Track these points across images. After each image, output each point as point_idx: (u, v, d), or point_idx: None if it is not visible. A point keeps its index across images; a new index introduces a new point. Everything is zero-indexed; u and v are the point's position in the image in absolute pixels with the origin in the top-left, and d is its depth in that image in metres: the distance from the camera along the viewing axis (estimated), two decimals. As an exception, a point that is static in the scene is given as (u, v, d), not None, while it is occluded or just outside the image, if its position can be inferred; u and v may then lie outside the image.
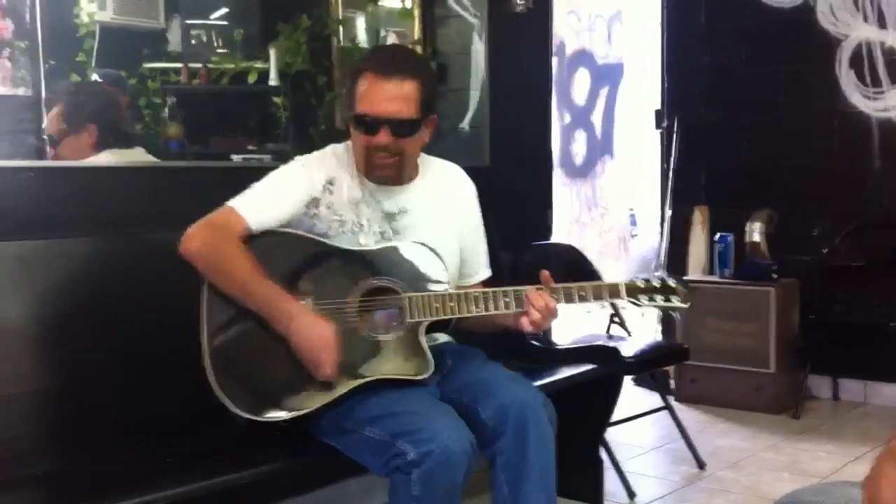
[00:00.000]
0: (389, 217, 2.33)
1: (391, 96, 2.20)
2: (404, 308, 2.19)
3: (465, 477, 2.03)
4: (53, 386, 2.27)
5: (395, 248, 2.27)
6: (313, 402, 2.13)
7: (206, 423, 2.15)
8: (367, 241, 2.29)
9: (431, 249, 2.26)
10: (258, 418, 2.12)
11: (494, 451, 2.16)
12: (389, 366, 2.18)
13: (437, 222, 2.37)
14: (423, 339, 2.20)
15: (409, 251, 2.26)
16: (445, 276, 2.26)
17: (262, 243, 2.21)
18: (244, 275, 2.14)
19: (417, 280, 2.23)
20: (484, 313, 2.21)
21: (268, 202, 2.24)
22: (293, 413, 2.12)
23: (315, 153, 2.36)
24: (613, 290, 2.25)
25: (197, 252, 2.16)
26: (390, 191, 2.34)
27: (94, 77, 4.01)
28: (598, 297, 2.24)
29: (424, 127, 2.31)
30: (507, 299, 2.21)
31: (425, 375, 2.18)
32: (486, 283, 2.49)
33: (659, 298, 2.26)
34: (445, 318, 2.21)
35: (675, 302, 2.26)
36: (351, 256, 2.25)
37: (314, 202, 2.28)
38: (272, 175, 2.29)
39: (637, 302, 2.26)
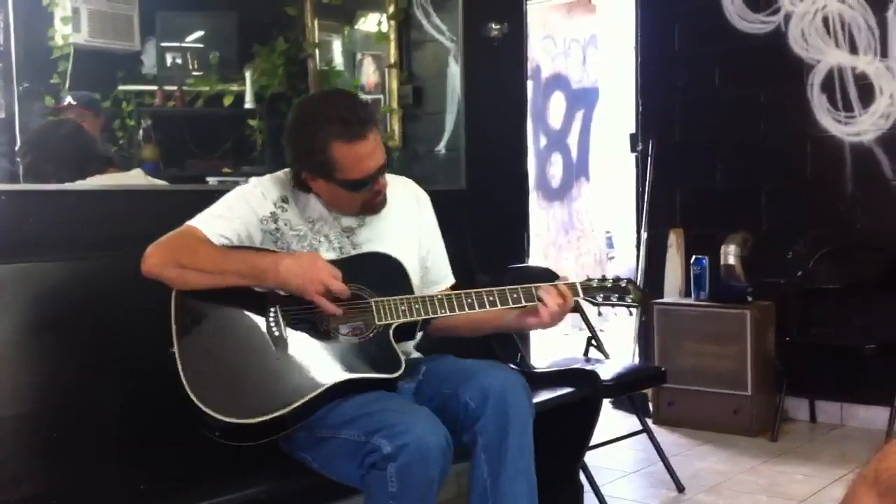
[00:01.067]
0: (348, 231, 2.38)
1: (373, 150, 2.27)
2: (372, 312, 2.23)
3: (440, 476, 2.03)
4: (37, 410, 2.25)
5: (359, 257, 2.34)
6: (286, 405, 2.11)
7: (189, 446, 2.14)
8: (329, 257, 2.32)
9: (393, 258, 2.34)
10: (235, 420, 2.08)
11: (475, 431, 2.17)
12: (361, 366, 2.20)
13: (396, 233, 2.43)
14: (393, 341, 2.24)
15: (373, 260, 2.34)
16: (409, 281, 2.33)
17: None
18: (212, 256, 2.16)
19: (383, 286, 2.28)
20: (449, 314, 2.29)
21: (222, 216, 2.27)
22: (268, 416, 2.09)
23: (269, 175, 2.40)
24: (570, 289, 2.37)
25: (158, 263, 2.17)
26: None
27: (69, 100, 3.99)
28: None
29: None
30: (471, 301, 2.30)
31: (396, 374, 2.20)
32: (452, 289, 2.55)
33: (614, 297, 2.39)
34: (413, 319, 2.26)
35: (629, 300, 2.40)
36: None
37: (271, 217, 2.31)
38: (226, 195, 2.33)
39: (594, 301, 2.40)
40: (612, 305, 2.41)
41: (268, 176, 2.39)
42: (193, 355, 2.14)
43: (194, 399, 2.07)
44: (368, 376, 2.19)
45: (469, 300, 2.30)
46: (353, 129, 2.23)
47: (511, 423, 2.15)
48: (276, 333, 2.18)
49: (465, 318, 2.37)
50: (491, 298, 2.30)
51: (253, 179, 2.38)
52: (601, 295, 2.39)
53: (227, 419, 2.08)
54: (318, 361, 2.17)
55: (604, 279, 2.40)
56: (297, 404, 2.11)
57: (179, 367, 2.11)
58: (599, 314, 2.49)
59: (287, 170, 2.40)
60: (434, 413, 2.13)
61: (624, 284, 2.40)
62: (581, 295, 2.39)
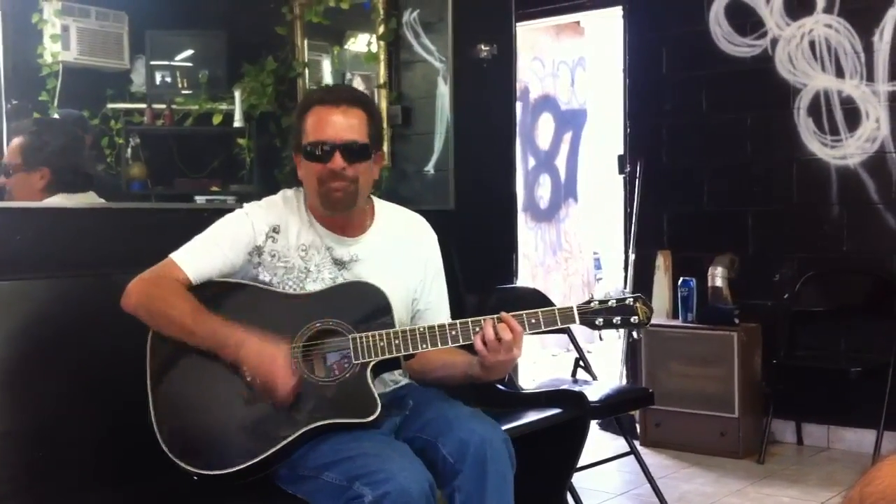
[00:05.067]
0: (339, 264, 2.30)
1: (341, 123, 2.22)
2: (350, 349, 2.16)
3: None
4: (19, 429, 2.23)
5: (342, 287, 2.25)
6: (260, 451, 2.08)
7: (172, 469, 2.10)
8: (315, 288, 2.26)
9: (377, 288, 2.23)
10: (207, 472, 2.07)
11: (453, 487, 2.13)
12: (335, 410, 2.14)
13: (391, 271, 2.33)
14: (370, 380, 2.16)
15: (356, 290, 2.24)
16: (392, 314, 2.22)
17: (203, 295, 2.18)
18: (184, 315, 2.12)
19: (364, 319, 2.20)
20: (430, 348, 2.18)
21: (207, 253, 2.22)
22: (239, 466, 2.07)
23: (264, 199, 2.35)
24: (566, 315, 2.22)
25: (136, 303, 2.15)
26: (343, 240, 2.32)
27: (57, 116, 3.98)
28: (550, 323, 2.21)
29: (374, 158, 2.30)
30: (454, 332, 2.19)
31: (371, 417, 2.13)
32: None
33: (616, 319, 2.22)
34: (391, 356, 2.17)
35: (634, 321, 2.22)
36: (295, 301, 2.23)
37: (257, 251, 2.26)
38: (215, 225, 2.28)
39: (593, 325, 2.23)
40: (616, 328, 2.25)
41: (263, 201, 2.34)
42: (166, 402, 2.12)
43: (168, 453, 2.07)
44: (342, 421, 2.13)
45: (454, 332, 2.18)
46: (330, 95, 2.27)
47: (489, 479, 2.10)
48: (249, 378, 2.12)
49: (439, 358, 2.32)
50: (478, 329, 2.18)
51: (246, 206, 2.31)
52: (601, 318, 2.22)
53: (200, 472, 2.07)
54: (291, 406, 2.11)
55: (604, 301, 2.22)
56: (268, 452, 2.08)
57: (152, 417, 2.09)
58: (601, 339, 2.37)
59: (284, 191, 2.36)
60: (415, 453, 2.10)
61: (630, 303, 2.22)
62: (577, 321, 2.22)
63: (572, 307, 2.23)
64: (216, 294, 2.20)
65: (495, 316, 2.19)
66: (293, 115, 2.34)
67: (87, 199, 3.19)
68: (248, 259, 2.25)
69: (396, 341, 2.16)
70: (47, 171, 3.11)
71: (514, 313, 2.20)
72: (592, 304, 2.23)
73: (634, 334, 4.69)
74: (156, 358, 2.15)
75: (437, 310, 2.44)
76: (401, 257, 2.38)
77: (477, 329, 2.19)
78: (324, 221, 2.31)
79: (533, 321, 2.21)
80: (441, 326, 2.20)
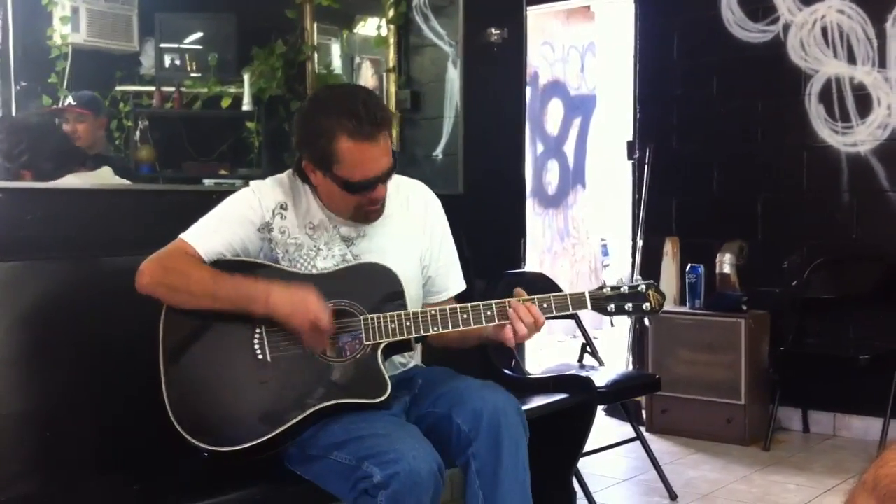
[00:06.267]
0: (347, 241, 2.31)
1: (380, 155, 2.18)
2: (360, 330, 2.17)
3: (432, 500, 2.01)
4: (29, 410, 2.24)
5: (353, 269, 2.26)
6: (270, 430, 2.10)
7: (180, 450, 2.12)
8: (326, 265, 2.27)
9: (389, 270, 2.25)
10: (217, 449, 2.09)
11: (468, 455, 2.14)
12: (346, 390, 2.15)
13: (398, 244, 2.35)
14: (381, 362, 2.17)
15: (367, 271, 2.25)
16: (404, 295, 2.24)
17: None
18: (204, 280, 2.14)
19: (376, 300, 2.21)
20: (441, 332, 2.20)
21: (216, 231, 2.23)
22: (250, 443, 2.09)
23: (269, 178, 2.35)
24: (578, 300, 2.24)
25: (151, 282, 2.16)
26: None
27: (69, 100, 3.97)
28: (562, 309, 2.24)
29: None
30: (466, 316, 2.20)
31: (381, 399, 2.15)
32: (460, 297, 2.47)
33: (628, 305, 2.24)
34: (403, 339, 2.19)
35: (646, 308, 2.24)
36: (306, 280, 2.23)
37: (266, 227, 2.26)
38: (222, 203, 2.29)
39: (605, 311, 2.25)
40: (628, 314, 2.28)
41: (268, 179, 2.34)
42: (178, 380, 2.13)
43: (179, 428, 2.08)
44: (352, 401, 2.14)
45: (465, 315, 2.20)
46: (364, 128, 2.13)
47: (504, 446, 2.12)
48: (261, 357, 2.14)
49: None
50: (489, 313, 2.20)
51: (252, 184, 2.32)
52: (613, 304, 2.24)
53: (211, 448, 2.08)
54: (302, 385, 2.13)
55: (616, 287, 2.24)
56: (279, 430, 2.10)
57: (164, 393, 2.11)
58: (612, 325, 2.38)
59: (289, 171, 2.36)
60: (426, 431, 2.11)
61: (643, 290, 2.24)
62: (589, 307, 2.24)
63: (584, 293, 2.25)
64: (229, 271, 2.19)
65: (518, 299, 2.21)
66: (303, 125, 2.23)
67: (103, 176, 3.20)
68: (260, 236, 2.26)
69: (408, 323, 2.18)
70: (28, 174, 3.12)
71: (526, 297, 2.22)
72: (604, 291, 2.25)
73: (646, 321, 4.69)
74: (169, 335, 2.16)
75: (447, 274, 2.46)
76: (407, 227, 2.39)
77: (488, 312, 2.20)
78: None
79: (545, 306, 2.23)
80: (452, 309, 2.22)
